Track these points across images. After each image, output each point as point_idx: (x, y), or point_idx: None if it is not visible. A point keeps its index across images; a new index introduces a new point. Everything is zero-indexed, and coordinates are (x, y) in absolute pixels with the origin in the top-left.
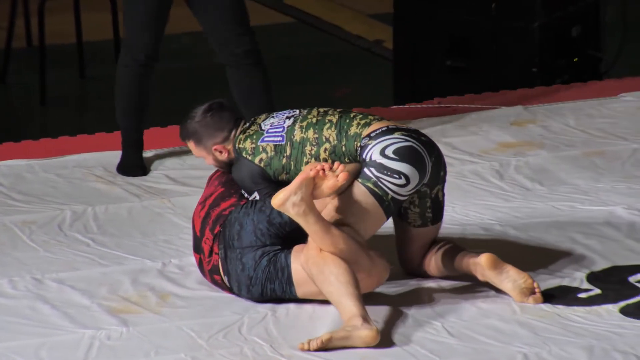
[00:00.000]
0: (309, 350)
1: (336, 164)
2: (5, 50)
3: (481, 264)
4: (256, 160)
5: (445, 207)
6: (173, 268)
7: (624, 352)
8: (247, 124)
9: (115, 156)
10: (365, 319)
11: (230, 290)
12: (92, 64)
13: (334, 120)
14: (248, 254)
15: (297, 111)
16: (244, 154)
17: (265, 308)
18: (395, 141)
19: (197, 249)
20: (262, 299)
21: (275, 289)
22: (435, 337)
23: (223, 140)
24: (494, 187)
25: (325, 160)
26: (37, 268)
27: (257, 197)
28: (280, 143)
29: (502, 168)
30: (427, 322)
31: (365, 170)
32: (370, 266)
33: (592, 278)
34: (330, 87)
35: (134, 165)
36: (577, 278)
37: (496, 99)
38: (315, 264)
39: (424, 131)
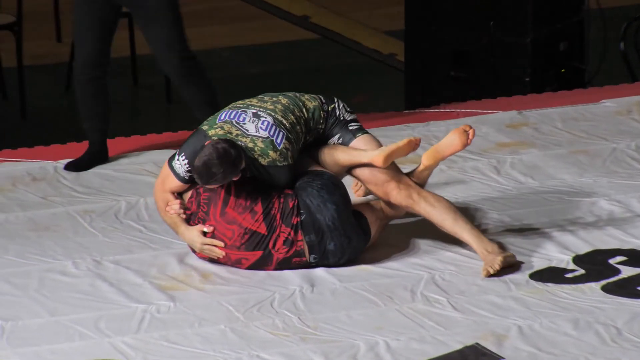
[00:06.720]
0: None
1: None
2: (69, 62)
3: None
4: (290, 161)
5: (449, 198)
6: None
7: (604, 324)
8: (240, 141)
9: (163, 154)
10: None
11: (308, 266)
12: (144, 74)
13: (288, 104)
14: (349, 228)
15: (247, 108)
16: (278, 164)
17: (293, 285)
18: (338, 101)
19: (260, 246)
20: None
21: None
22: (441, 311)
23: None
24: (492, 181)
25: (303, 132)
26: (97, 251)
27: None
28: (285, 133)
29: (499, 164)
30: (434, 298)
31: (353, 126)
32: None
33: (578, 260)
34: (350, 94)
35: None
36: (564, 260)
37: (493, 105)
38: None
39: (432, 133)
